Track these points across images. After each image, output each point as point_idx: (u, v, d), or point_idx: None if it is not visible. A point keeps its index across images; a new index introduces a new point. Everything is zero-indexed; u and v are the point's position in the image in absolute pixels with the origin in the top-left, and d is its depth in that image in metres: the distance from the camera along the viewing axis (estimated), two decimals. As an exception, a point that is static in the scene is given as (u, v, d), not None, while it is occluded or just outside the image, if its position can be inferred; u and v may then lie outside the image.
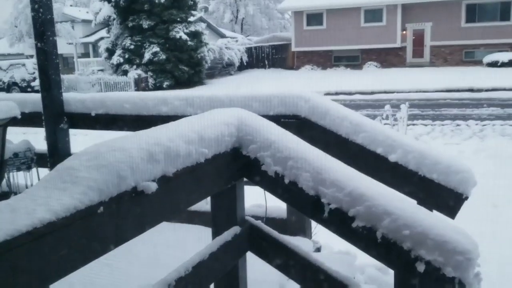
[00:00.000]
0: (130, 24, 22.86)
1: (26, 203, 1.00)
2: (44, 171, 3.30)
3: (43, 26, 2.93)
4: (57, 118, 3.10)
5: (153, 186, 1.27)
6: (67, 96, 3.16)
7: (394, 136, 2.42)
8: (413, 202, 2.31)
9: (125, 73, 22.80)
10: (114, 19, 23.58)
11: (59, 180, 1.11)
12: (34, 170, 3.27)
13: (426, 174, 2.25)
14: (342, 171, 1.59)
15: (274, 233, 1.83)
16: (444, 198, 2.25)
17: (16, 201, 1.02)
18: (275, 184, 1.62)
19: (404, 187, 2.34)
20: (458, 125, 10.10)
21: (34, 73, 22.59)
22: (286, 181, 1.58)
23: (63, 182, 1.10)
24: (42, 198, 1.02)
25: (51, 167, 3.18)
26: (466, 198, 2.23)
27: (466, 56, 26.03)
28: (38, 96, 3.17)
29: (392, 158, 2.34)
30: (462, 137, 8.65)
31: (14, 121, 3.04)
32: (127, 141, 1.31)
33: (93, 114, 3.09)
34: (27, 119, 3.21)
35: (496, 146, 7.13)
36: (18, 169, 3.16)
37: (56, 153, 3.15)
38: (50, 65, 3.00)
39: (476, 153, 6.92)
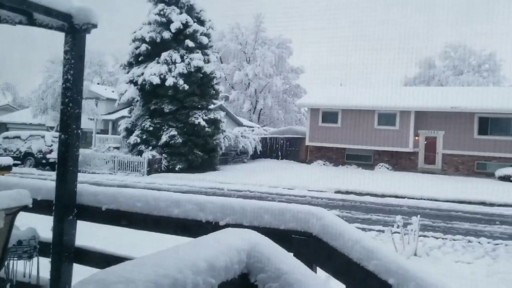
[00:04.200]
0: (152, 107, 23.75)
1: None
2: (44, 261, 3.24)
3: (69, 120, 3.02)
4: (67, 209, 3.10)
5: (155, 323, 1.21)
6: (81, 187, 3.18)
7: (408, 267, 2.35)
8: None
9: (140, 153, 23.24)
10: (137, 101, 24.56)
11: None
12: (35, 259, 3.20)
13: (440, 314, 2.14)
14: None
15: None
16: None
17: None
18: (281, 320, 1.54)
19: (416, 325, 2.21)
20: (469, 241, 9.81)
21: (51, 145, 23.12)
22: (293, 318, 1.51)
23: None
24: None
25: (53, 258, 3.11)
26: None
27: (478, 167, 26.14)
28: (52, 185, 3.19)
29: (404, 291, 2.24)
30: (474, 255, 8.35)
31: (24, 208, 3.05)
32: (135, 271, 1.27)
33: (103, 208, 3.08)
34: (38, 207, 3.20)
35: (510, 270, 6.85)
36: (19, 258, 3.09)
37: (60, 244, 3.11)
38: (70, 157, 3.06)
39: (489, 276, 6.64)
